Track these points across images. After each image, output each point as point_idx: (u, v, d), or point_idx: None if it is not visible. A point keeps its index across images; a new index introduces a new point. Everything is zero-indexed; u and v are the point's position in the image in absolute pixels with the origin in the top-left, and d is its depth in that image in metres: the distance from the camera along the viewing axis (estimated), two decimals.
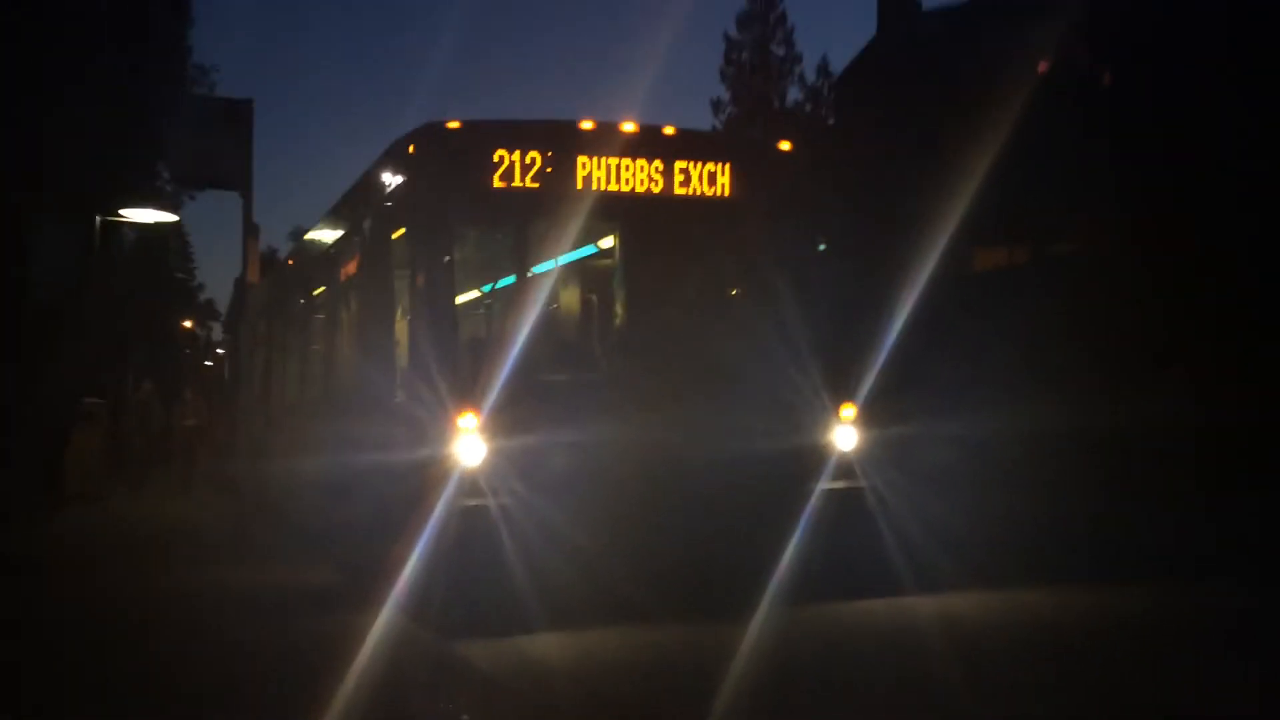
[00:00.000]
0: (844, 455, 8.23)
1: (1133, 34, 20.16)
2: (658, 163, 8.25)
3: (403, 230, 8.35)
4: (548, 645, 6.68)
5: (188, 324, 58.22)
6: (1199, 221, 17.36)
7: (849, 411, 8.31)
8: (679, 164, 8.31)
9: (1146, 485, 14.81)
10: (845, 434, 8.25)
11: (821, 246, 8.98)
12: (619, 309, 9.33)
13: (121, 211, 19.18)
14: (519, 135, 8.03)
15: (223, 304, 67.76)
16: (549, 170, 7.96)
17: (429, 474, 7.41)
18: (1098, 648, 6.65)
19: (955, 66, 22.34)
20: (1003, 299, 20.48)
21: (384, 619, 6.80)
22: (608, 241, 9.07)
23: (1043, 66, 21.15)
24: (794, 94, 38.80)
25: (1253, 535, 11.73)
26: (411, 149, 8.15)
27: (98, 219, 18.78)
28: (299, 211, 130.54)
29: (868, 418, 8.36)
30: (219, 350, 54.40)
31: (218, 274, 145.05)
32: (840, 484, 8.11)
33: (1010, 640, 6.77)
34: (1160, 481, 14.76)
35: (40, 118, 16.02)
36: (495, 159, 7.87)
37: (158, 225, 23.52)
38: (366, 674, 5.78)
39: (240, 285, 19.94)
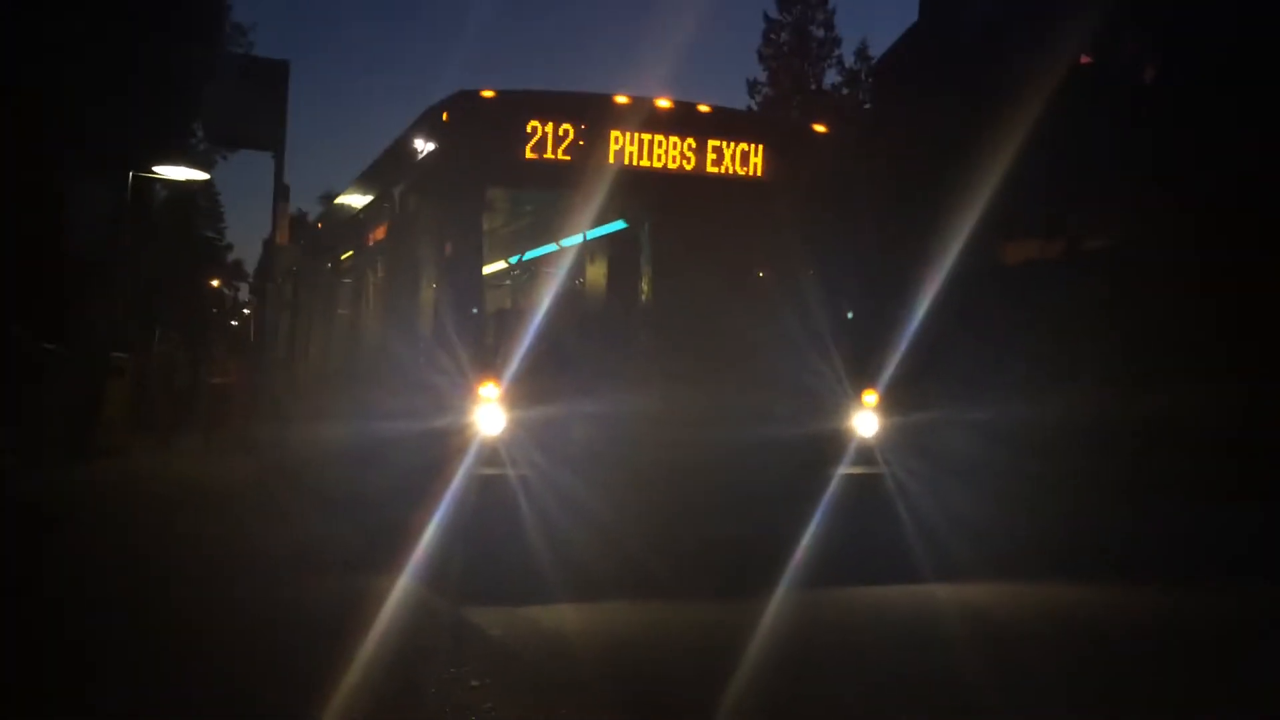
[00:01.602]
0: (865, 440, 8.20)
1: (1177, 29, 19.89)
2: (691, 140, 8.20)
3: (432, 197, 8.36)
4: (563, 616, 6.70)
5: (215, 283, 58.60)
6: (1236, 218, 17.17)
7: (871, 397, 8.27)
8: (712, 142, 8.26)
9: (1174, 480, 14.72)
10: (867, 419, 8.22)
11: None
12: (645, 285, 9.32)
13: (155, 169, 19.30)
14: (553, 106, 8.00)
15: (251, 264, 68.23)
16: (581, 143, 7.93)
17: (449, 442, 7.44)
18: (1119, 642, 6.61)
19: (995, 56, 22.12)
20: (1034, 291, 20.35)
21: (401, 584, 6.85)
22: (637, 217, 9.06)
23: (1085, 59, 20.92)
24: (831, 77, 38.55)
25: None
26: (445, 116, 8.14)
27: (131, 175, 18.90)
28: (329, 174, 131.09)
29: (891, 404, 8.32)
30: (245, 310, 54.76)
31: (247, 234, 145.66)
32: (861, 469, 8.09)
33: (1029, 631, 6.74)
34: (1189, 477, 14.67)
35: (79, 75, 16.14)
36: (528, 129, 7.85)
37: (189, 183, 23.68)
38: (380, 638, 5.83)
39: (269, 247, 20.01)
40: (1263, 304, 16.45)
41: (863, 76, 37.54)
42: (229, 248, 67.30)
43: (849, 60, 38.44)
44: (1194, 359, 16.47)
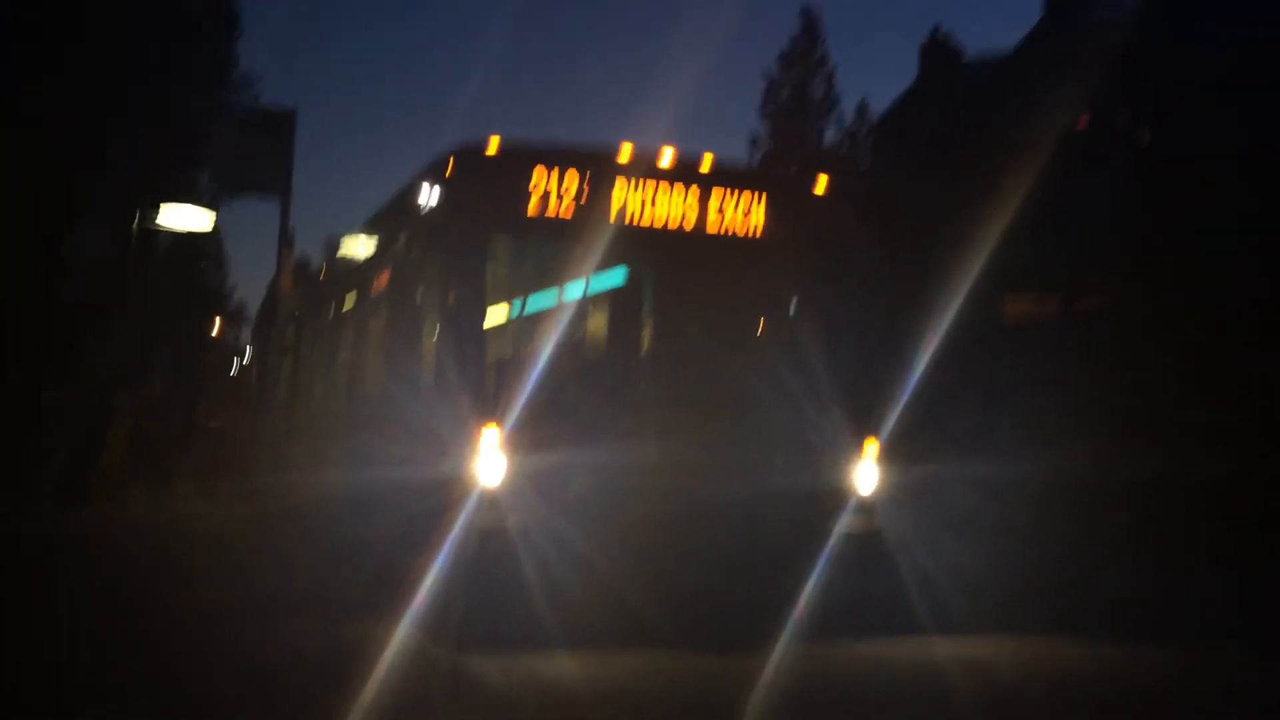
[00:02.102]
0: (864, 496, 8.22)
1: (1172, 95, 20.19)
2: (694, 195, 8.30)
3: (435, 248, 8.44)
4: (562, 665, 6.69)
5: (216, 328, 58.64)
6: (1229, 280, 17.32)
7: (871, 451, 8.31)
8: (715, 197, 8.37)
9: (1172, 540, 14.71)
10: (867, 474, 8.25)
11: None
12: (646, 338, 9.39)
13: (161, 210, 19.38)
14: (556, 159, 8.10)
15: (253, 307, 68.33)
16: (584, 196, 8.04)
17: (449, 490, 7.47)
18: (1119, 702, 6.59)
19: (993, 118, 22.42)
20: (1031, 349, 20.47)
21: (399, 632, 6.83)
22: (640, 269, 9.14)
23: (1082, 122, 21.20)
24: (831, 134, 38.91)
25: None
26: (448, 170, 8.25)
27: (136, 218, 19.00)
28: (331, 220, 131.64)
29: (890, 458, 8.36)
30: (246, 354, 54.75)
31: (250, 276, 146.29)
32: (860, 524, 8.10)
33: (1029, 689, 6.71)
34: (1186, 537, 14.66)
35: (83, 118, 16.29)
36: (532, 183, 7.96)
37: (193, 234, 23.77)
38: (378, 685, 5.80)
39: (272, 292, 20.11)
40: (1258, 366, 16.54)
41: (861, 135, 37.93)
42: (231, 292, 67.42)
43: (848, 119, 38.86)
44: (1188, 419, 16.53)
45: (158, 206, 18.59)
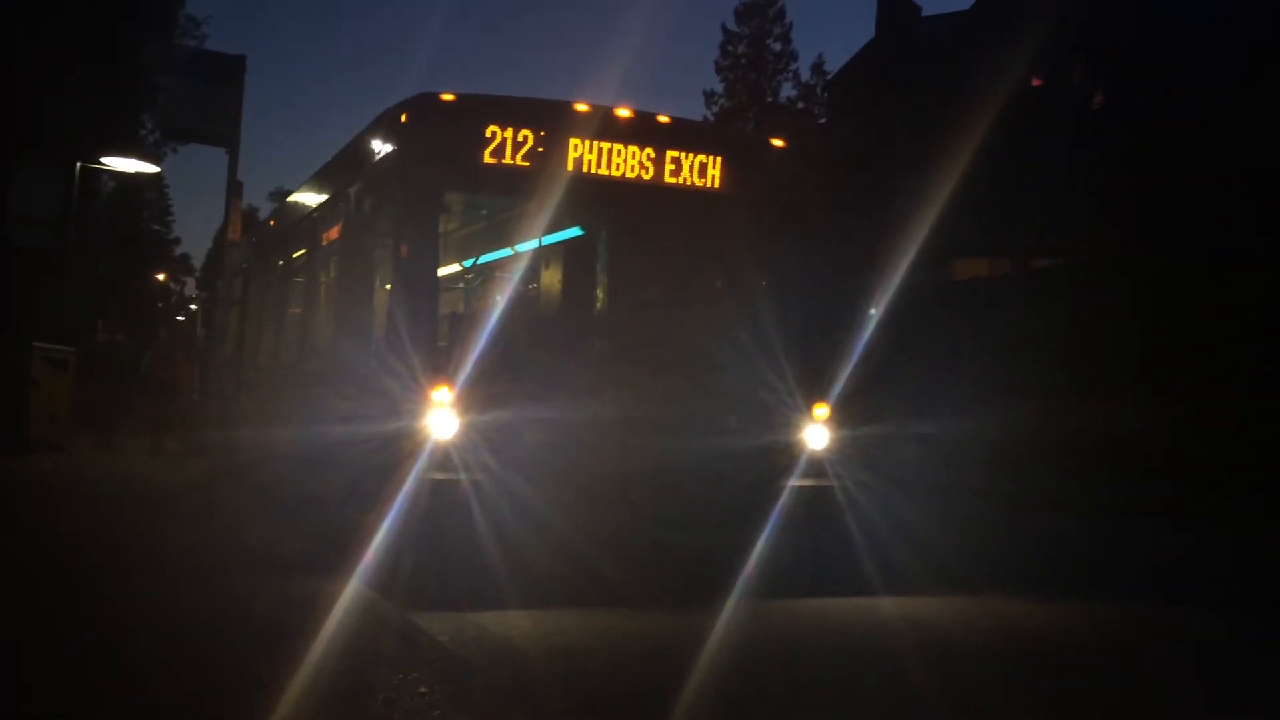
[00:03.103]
0: (815, 453, 8.27)
1: (1126, 57, 20.32)
2: (649, 150, 8.24)
3: (389, 199, 8.32)
4: (513, 622, 6.69)
5: (162, 277, 57.76)
6: (1180, 240, 17.57)
7: (822, 410, 8.35)
8: (670, 153, 8.30)
9: (1115, 494, 15.03)
10: (817, 432, 8.30)
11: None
12: (600, 292, 9.35)
13: (103, 160, 18.98)
14: (512, 112, 8.01)
15: (199, 259, 67.30)
16: (540, 149, 7.94)
17: (401, 445, 7.41)
18: (1064, 655, 6.73)
19: (949, 75, 22.47)
20: (981, 307, 20.69)
21: (350, 588, 6.78)
22: (594, 224, 9.08)
23: (1036, 82, 21.31)
24: (787, 90, 38.86)
25: (1218, 553, 11.92)
26: (404, 118, 8.10)
27: (78, 166, 18.56)
28: (281, 171, 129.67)
29: (840, 416, 8.41)
30: (192, 305, 53.97)
31: (196, 229, 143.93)
32: (811, 481, 8.16)
33: (974, 643, 6.82)
34: (1129, 492, 14.99)
35: (25, 62, 15.81)
36: (487, 134, 7.85)
37: (137, 176, 23.31)
38: (328, 642, 5.76)
39: (220, 242, 19.78)
40: (1205, 323, 16.84)
41: (818, 91, 37.90)
42: (176, 241, 66.41)
43: (805, 75, 38.79)
44: (1135, 376, 16.83)
45: (100, 151, 18.17)
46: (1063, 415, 16.51)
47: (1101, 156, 19.34)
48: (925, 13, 31.90)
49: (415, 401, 7.38)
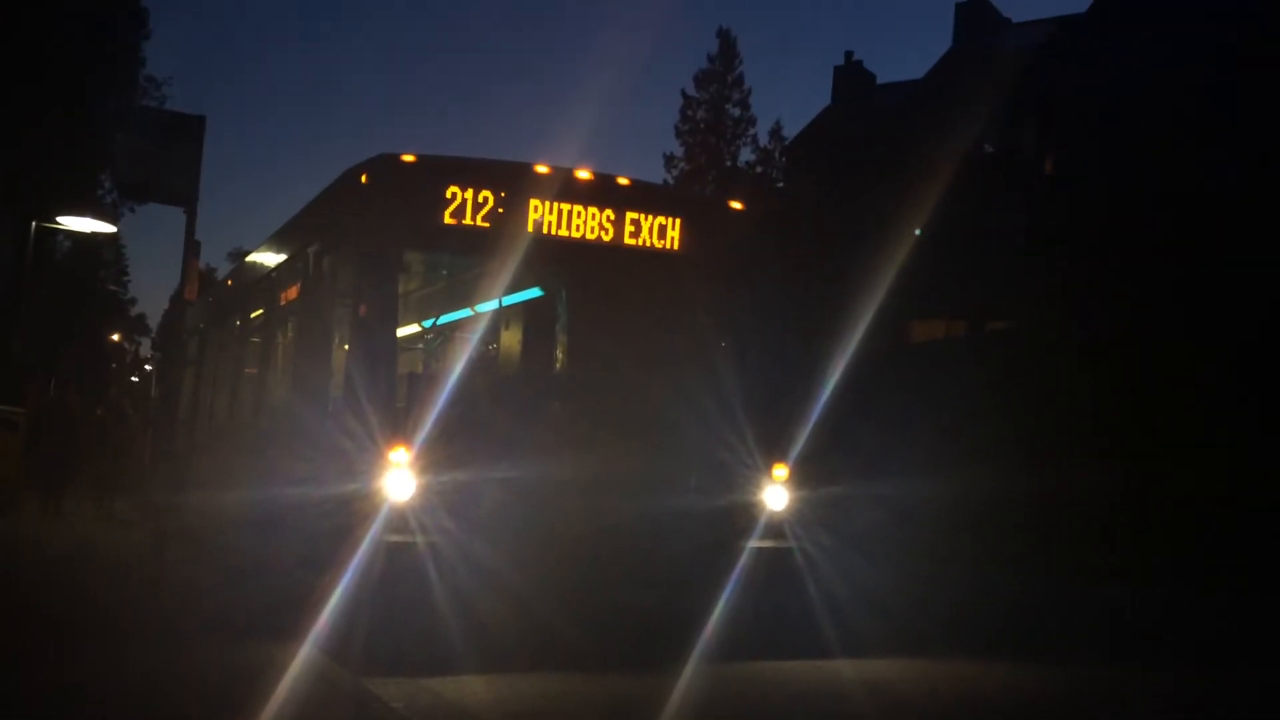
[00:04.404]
0: (774, 514, 8.26)
1: (1075, 121, 20.82)
2: (609, 212, 8.30)
3: (349, 258, 8.30)
4: (469, 688, 6.59)
5: (116, 337, 57.06)
6: (1131, 303, 17.88)
7: (781, 470, 8.36)
8: (630, 215, 8.37)
9: (1068, 556, 15.13)
10: (777, 492, 8.30)
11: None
12: (560, 353, 9.35)
13: (59, 219, 18.82)
14: (473, 173, 8.05)
15: (154, 319, 66.65)
16: (500, 210, 7.98)
17: (357, 507, 7.32)
18: (1021, 716, 6.71)
19: (904, 141, 22.93)
20: (936, 369, 20.90)
21: (302, 654, 6.66)
22: (553, 285, 9.10)
23: (989, 148, 21.77)
24: (746, 155, 39.36)
25: (1171, 613, 12.00)
26: (364, 178, 8.13)
27: (33, 225, 18.41)
28: (240, 231, 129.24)
29: (799, 477, 8.42)
30: (147, 366, 53.33)
31: (152, 288, 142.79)
32: (770, 543, 8.14)
33: (932, 707, 6.81)
34: (1082, 554, 15.09)
35: None
36: (448, 194, 7.88)
37: (94, 235, 23.12)
38: (279, 709, 5.65)
39: (177, 302, 19.60)
40: (1159, 387, 17.08)
41: (776, 156, 38.42)
42: (132, 301, 65.72)
43: (763, 139, 39.35)
44: (1087, 438, 17.02)
45: (56, 210, 18.03)
46: (1015, 476, 16.64)
47: (1050, 220, 19.73)
48: (880, 80, 32.60)
49: (372, 462, 7.32)
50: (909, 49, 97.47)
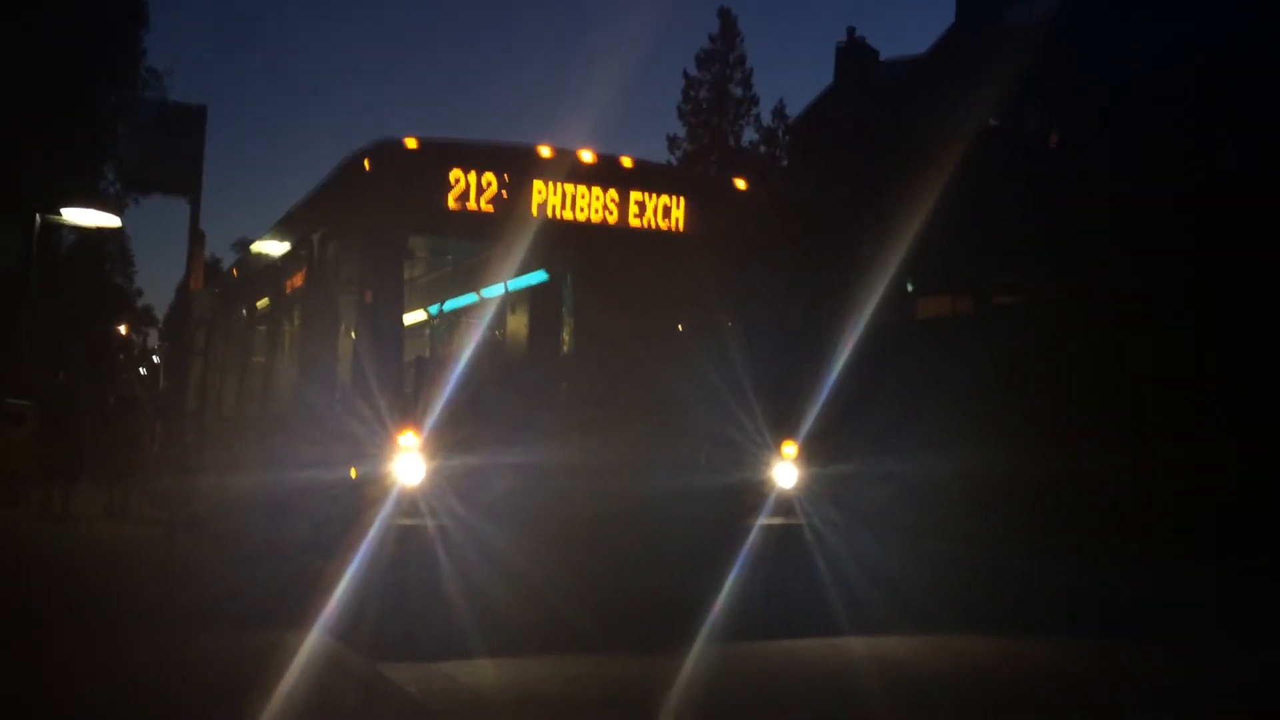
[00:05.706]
0: (784, 491, 8.26)
1: (1081, 98, 20.69)
2: (613, 193, 8.27)
3: (353, 245, 8.29)
4: (480, 671, 6.60)
5: (123, 329, 57.17)
6: (1137, 278, 17.79)
7: (790, 448, 8.35)
8: (634, 196, 8.34)
9: (1078, 534, 15.09)
10: (786, 470, 8.29)
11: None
12: (567, 335, 9.34)
13: (63, 212, 18.84)
14: (476, 157, 8.02)
15: (161, 310, 66.76)
16: (504, 194, 7.95)
17: (367, 492, 7.33)
18: (1029, 694, 6.71)
19: (908, 118, 22.79)
20: (944, 345, 20.84)
21: (313, 639, 6.67)
22: (559, 268, 9.09)
23: (993, 123, 21.63)
24: (750, 134, 39.17)
25: (1182, 592, 11.96)
26: (367, 164, 8.11)
27: (38, 218, 18.42)
28: (244, 221, 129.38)
29: (809, 455, 8.41)
30: (155, 358, 53.47)
31: (158, 280, 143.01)
32: (779, 520, 8.14)
33: (942, 684, 6.81)
34: (1090, 531, 15.06)
35: None
36: (451, 179, 7.86)
37: (98, 228, 23.16)
38: (290, 694, 5.66)
39: (183, 293, 19.64)
40: (1164, 367, 17.00)
41: (780, 135, 38.24)
42: (138, 293, 65.81)
43: (766, 119, 39.15)
44: (1095, 419, 16.92)
45: (61, 203, 18.05)
46: (1024, 453, 16.58)
47: (1055, 195, 19.62)
48: (883, 56, 32.40)
49: (381, 446, 7.32)
50: (911, 24, 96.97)
